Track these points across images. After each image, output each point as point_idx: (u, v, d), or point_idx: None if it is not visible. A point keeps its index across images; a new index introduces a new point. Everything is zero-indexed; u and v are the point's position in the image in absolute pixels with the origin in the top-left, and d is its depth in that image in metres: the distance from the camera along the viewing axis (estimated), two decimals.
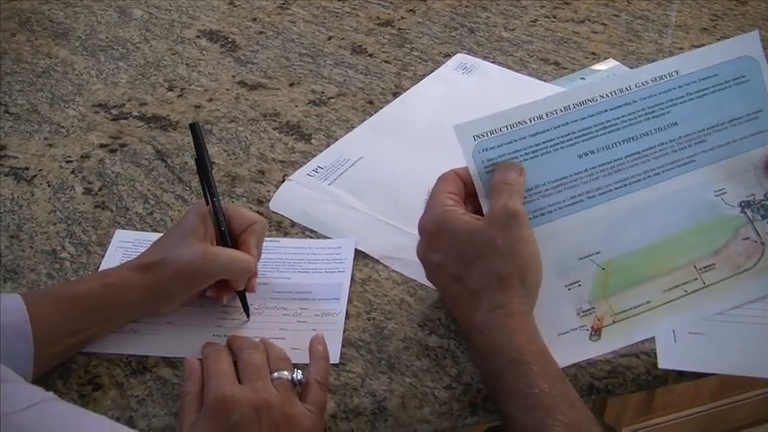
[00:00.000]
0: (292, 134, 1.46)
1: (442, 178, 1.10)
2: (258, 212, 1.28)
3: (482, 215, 1.07)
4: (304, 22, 1.80)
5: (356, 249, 1.23)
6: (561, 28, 1.77)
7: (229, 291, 1.14)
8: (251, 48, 1.72)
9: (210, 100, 1.56)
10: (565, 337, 1.09)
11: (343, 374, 1.06)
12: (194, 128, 1.13)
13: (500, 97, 1.52)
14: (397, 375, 1.06)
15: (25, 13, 1.86)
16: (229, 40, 1.75)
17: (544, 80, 1.60)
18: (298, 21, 1.81)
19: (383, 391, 1.04)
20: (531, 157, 1.10)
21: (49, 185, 1.37)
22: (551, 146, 1.11)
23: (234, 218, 1.13)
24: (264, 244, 1.17)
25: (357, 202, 1.31)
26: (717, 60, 1.15)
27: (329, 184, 1.34)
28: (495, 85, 1.58)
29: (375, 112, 1.51)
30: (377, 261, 1.22)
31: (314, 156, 1.41)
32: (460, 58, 1.66)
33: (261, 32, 1.77)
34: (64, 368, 1.08)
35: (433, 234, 1.05)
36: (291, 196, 1.32)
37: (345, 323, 1.13)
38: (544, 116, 1.11)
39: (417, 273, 1.16)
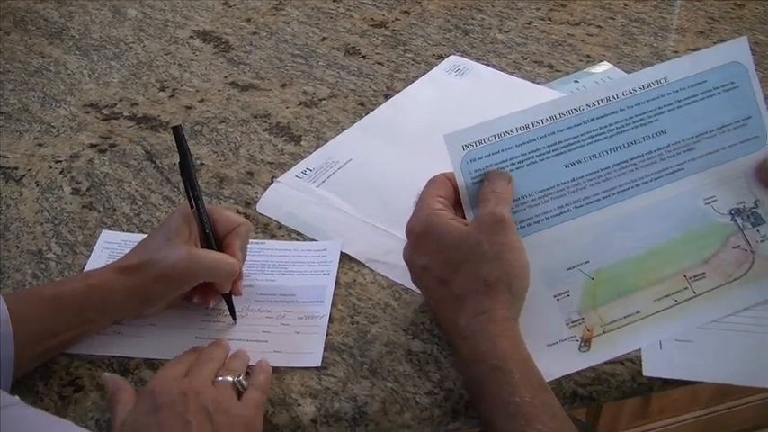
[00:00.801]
0: (282, 136, 1.46)
1: (432, 181, 1.09)
2: (245, 214, 1.28)
3: None
4: (298, 22, 1.80)
5: (342, 252, 1.22)
6: (556, 30, 1.76)
7: (216, 294, 1.13)
8: (244, 48, 1.72)
9: (202, 101, 1.56)
10: (554, 348, 1.08)
11: (324, 379, 1.06)
12: (177, 131, 1.12)
13: (492, 100, 1.51)
14: (378, 380, 1.05)
15: (20, 11, 1.86)
16: (222, 40, 1.74)
17: (537, 83, 1.58)
18: (292, 21, 1.80)
19: (364, 396, 1.04)
20: (517, 168, 1.09)
21: (37, 185, 1.36)
22: (538, 156, 1.10)
23: (218, 220, 1.13)
24: (250, 246, 1.16)
25: (345, 204, 1.30)
26: (706, 67, 1.14)
27: (317, 187, 1.33)
28: (487, 87, 1.57)
29: (366, 114, 1.50)
30: (362, 264, 1.21)
31: (303, 157, 1.40)
32: (453, 60, 1.65)
33: (254, 33, 1.77)
34: (45, 369, 1.07)
35: (420, 237, 1.05)
36: (279, 198, 1.32)
37: (328, 327, 1.12)
38: (531, 125, 1.10)
39: (403, 276, 1.15)
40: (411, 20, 1.81)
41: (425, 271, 1.05)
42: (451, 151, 1.08)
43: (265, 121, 1.50)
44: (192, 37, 1.76)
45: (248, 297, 1.15)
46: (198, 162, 1.39)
